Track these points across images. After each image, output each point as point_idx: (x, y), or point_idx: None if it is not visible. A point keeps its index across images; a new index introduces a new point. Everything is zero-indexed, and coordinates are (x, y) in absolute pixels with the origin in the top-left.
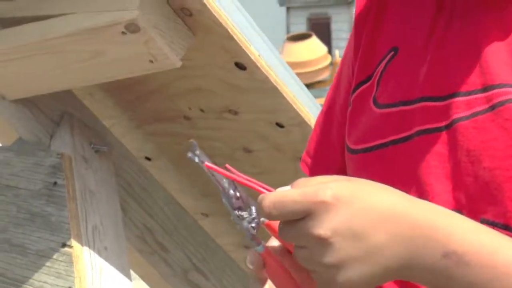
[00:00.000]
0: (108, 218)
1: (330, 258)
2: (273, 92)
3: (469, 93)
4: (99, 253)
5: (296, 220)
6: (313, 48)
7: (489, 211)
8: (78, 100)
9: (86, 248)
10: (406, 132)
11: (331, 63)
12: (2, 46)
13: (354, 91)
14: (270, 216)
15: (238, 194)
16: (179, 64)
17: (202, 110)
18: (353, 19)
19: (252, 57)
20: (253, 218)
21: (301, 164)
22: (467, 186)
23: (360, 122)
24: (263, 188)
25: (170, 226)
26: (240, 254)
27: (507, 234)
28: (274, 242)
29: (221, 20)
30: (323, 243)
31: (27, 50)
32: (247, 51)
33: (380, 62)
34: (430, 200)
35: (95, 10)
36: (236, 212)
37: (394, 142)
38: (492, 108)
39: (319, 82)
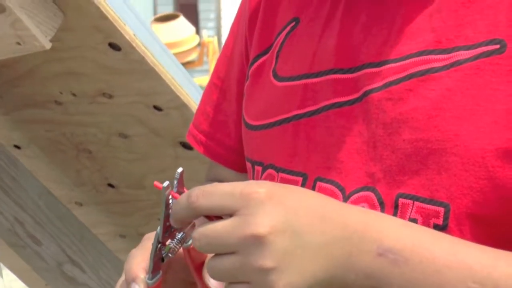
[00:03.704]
0: None
1: (268, 259)
2: (150, 73)
3: (381, 63)
4: None
5: (223, 221)
6: (181, 28)
7: (409, 184)
8: None
9: None
10: (311, 106)
11: (199, 44)
12: None
13: (252, 64)
14: (197, 206)
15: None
16: (48, 45)
17: (74, 95)
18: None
19: (127, 37)
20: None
21: (188, 137)
22: (383, 160)
23: (260, 97)
24: None
25: (42, 218)
26: (117, 243)
27: (430, 207)
28: None
29: None
30: (260, 242)
31: None
32: (121, 31)
33: (280, 33)
34: (341, 179)
35: None
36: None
37: (297, 117)
38: (410, 77)
39: (188, 62)
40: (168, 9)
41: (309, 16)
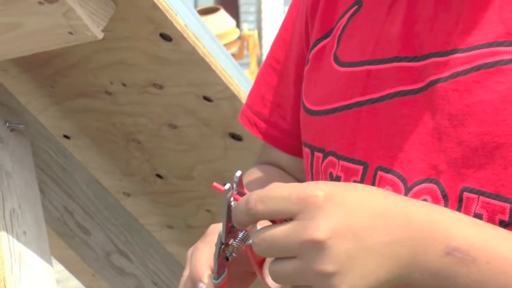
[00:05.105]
0: (26, 201)
1: (329, 264)
2: (200, 64)
3: (448, 53)
4: (18, 238)
5: (283, 225)
6: (222, 21)
7: (474, 178)
8: None
9: (4, 234)
10: (374, 93)
11: (240, 37)
12: None
13: (312, 47)
14: (255, 212)
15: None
16: (100, 36)
17: (124, 85)
18: None
19: (178, 28)
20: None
21: (241, 118)
22: (448, 152)
23: (320, 81)
24: None
25: (91, 207)
26: (165, 234)
27: (495, 203)
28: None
29: None
30: (321, 246)
31: None
32: (173, 21)
33: (342, 16)
34: (403, 169)
35: None
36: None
37: (359, 104)
38: (478, 68)
39: None
40: (209, 2)
41: (372, 0)
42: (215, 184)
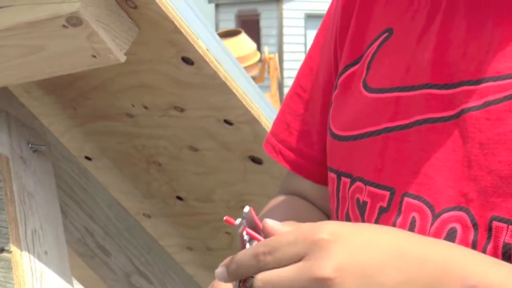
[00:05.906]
0: (48, 221)
1: None
2: (222, 88)
3: (480, 81)
4: (39, 258)
5: (288, 267)
6: (242, 45)
7: (504, 207)
8: (15, 98)
9: (25, 253)
10: (403, 120)
11: (260, 60)
12: None
13: (341, 73)
14: (265, 264)
15: None
16: (123, 59)
17: (146, 107)
18: (281, 16)
19: (200, 52)
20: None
21: (265, 146)
22: (478, 180)
23: (349, 107)
24: None
25: (112, 229)
26: (184, 256)
27: None
28: None
29: (167, 13)
30: (328, 284)
31: None
32: (195, 45)
33: (372, 43)
34: (430, 196)
35: (34, 2)
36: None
37: (388, 130)
38: (510, 98)
39: None
40: (230, 25)
41: (403, 28)
42: (227, 217)
